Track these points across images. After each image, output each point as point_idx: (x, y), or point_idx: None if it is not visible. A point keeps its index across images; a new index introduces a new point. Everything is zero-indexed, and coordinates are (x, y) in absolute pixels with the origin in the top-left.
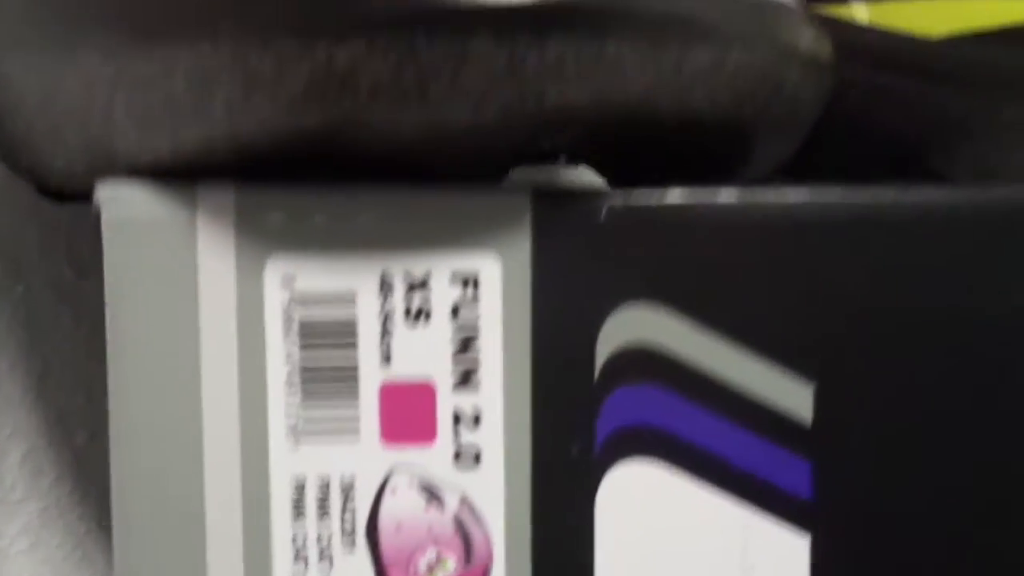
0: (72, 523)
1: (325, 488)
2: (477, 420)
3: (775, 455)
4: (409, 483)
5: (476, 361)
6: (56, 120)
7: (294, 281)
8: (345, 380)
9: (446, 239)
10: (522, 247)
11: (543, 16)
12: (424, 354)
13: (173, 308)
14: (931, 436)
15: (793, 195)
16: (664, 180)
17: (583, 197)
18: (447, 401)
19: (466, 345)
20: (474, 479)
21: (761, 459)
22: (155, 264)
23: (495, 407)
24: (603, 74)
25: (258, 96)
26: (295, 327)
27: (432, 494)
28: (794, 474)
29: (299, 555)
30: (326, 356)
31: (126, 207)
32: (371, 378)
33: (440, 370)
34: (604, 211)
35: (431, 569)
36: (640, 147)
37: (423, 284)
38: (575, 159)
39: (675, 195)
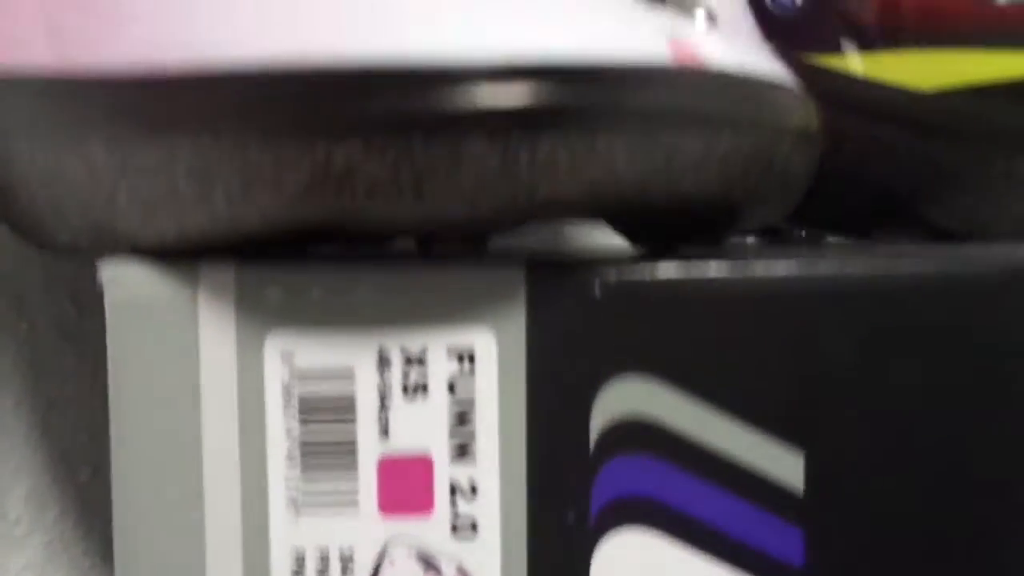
0: (76, 557)
1: (325, 560)
2: (474, 491)
3: (767, 523)
4: (407, 554)
5: (472, 434)
6: (60, 201)
7: (293, 357)
8: (344, 454)
9: (442, 314)
10: (517, 321)
11: (535, 116)
12: (421, 427)
13: (175, 384)
14: (922, 504)
15: (783, 268)
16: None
17: (576, 270)
18: (444, 473)
19: (463, 418)
20: (471, 549)
21: (754, 527)
22: (158, 342)
23: (491, 478)
24: (594, 169)
25: (258, 190)
26: (294, 402)
27: (430, 564)
28: (786, 542)
29: None
30: (325, 430)
31: (129, 287)
32: (369, 451)
33: (437, 443)
34: (597, 285)
35: None
36: (629, 218)
37: (420, 360)
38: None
39: (667, 269)
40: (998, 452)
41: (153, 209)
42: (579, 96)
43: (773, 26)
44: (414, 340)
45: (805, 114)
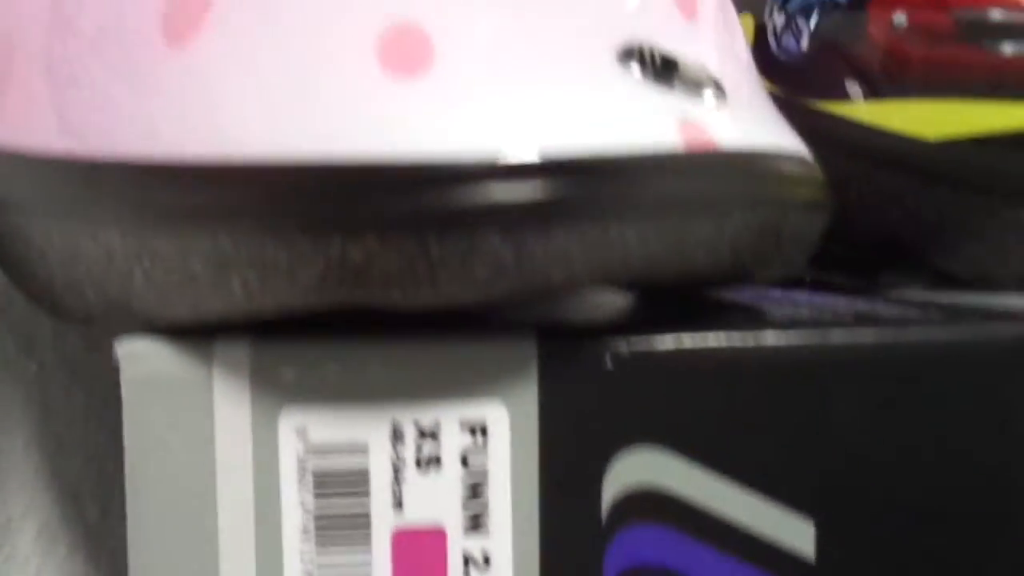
0: None
1: None
2: (487, 562)
3: None
4: None
5: (485, 506)
6: (76, 279)
7: (307, 432)
8: (358, 527)
9: (454, 387)
10: (528, 393)
11: (547, 208)
12: (435, 500)
13: (191, 459)
14: (934, 573)
15: (792, 338)
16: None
17: (587, 341)
18: (457, 545)
19: (476, 491)
20: None
21: None
22: (173, 417)
23: (504, 550)
24: (606, 255)
25: (274, 282)
26: (309, 477)
27: None
28: None
29: None
30: (340, 504)
31: (145, 365)
32: (383, 524)
33: (451, 515)
34: (608, 357)
35: None
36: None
37: (433, 434)
38: None
39: (677, 340)
40: (1012, 521)
41: (169, 293)
42: (590, 188)
43: (779, 71)
44: (427, 414)
45: (813, 180)
